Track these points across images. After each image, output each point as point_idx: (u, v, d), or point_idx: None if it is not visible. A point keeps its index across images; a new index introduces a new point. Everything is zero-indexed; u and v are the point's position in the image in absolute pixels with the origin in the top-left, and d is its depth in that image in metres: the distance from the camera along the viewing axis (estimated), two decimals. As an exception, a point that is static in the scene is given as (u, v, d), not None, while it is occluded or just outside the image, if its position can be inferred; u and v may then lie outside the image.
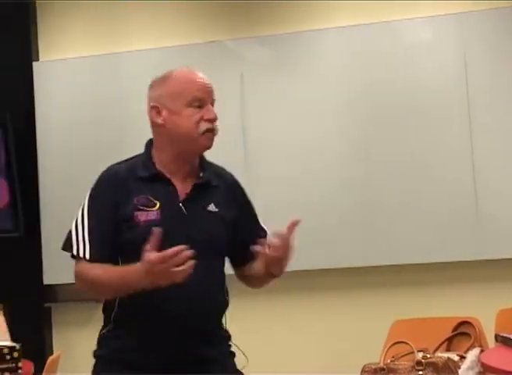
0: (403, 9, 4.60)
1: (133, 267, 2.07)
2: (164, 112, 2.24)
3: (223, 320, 2.34)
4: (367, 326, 4.54)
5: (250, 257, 2.28)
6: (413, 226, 4.47)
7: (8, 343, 3.43)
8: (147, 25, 5.01)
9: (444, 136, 4.50)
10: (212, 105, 2.31)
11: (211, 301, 2.24)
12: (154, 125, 2.28)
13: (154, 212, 2.18)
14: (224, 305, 2.33)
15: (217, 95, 4.84)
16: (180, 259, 2.00)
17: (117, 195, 2.20)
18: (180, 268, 1.99)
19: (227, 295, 2.34)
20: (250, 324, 4.73)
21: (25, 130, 4.97)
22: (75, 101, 4.96)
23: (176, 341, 2.19)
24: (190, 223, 2.21)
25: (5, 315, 3.71)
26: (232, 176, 2.45)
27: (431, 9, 4.57)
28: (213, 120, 2.27)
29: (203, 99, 2.25)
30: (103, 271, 2.16)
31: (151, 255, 2.00)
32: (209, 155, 4.32)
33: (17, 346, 3.38)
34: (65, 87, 5.01)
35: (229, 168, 4.71)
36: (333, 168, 4.63)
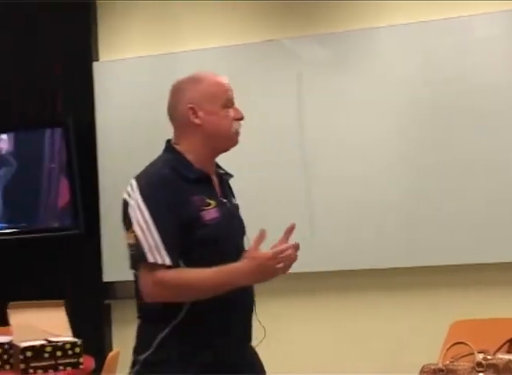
0: (462, 7, 4.53)
1: (233, 266, 2.11)
2: (200, 113, 2.32)
3: None
4: (426, 326, 4.50)
5: None
6: (474, 226, 4.42)
7: (70, 339, 3.51)
8: (204, 24, 5.04)
9: (507, 136, 4.42)
10: None
11: (253, 291, 2.38)
12: (189, 125, 2.33)
13: (213, 210, 2.24)
14: None
15: (274, 94, 4.86)
16: (287, 256, 2.10)
17: (174, 197, 2.19)
18: (282, 264, 2.10)
19: None
20: (303, 324, 4.76)
21: (85, 129, 5.04)
22: (134, 100, 5.04)
23: (240, 333, 2.30)
24: (235, 217, 2.38)
25: (66, 311, 3.78)
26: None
27: (488, 6, 4.48)
28: (242, 119, 2.39)
29: (232, 100, 2.39)
30: (195, 274, 2.14)
31: (263, 252, 2.08)
32: (267, 155, 4.38)
33: (79, 342, 3.46)
34: (125, 86, 5.09)
35: (286, 167, 4.71)
36: (392, 167, 4.59)
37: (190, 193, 2.22)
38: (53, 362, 3.28)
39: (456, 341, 3.56)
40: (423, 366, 3.43)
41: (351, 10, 4.78)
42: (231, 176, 2.46)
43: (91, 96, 5.08)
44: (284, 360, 4.63)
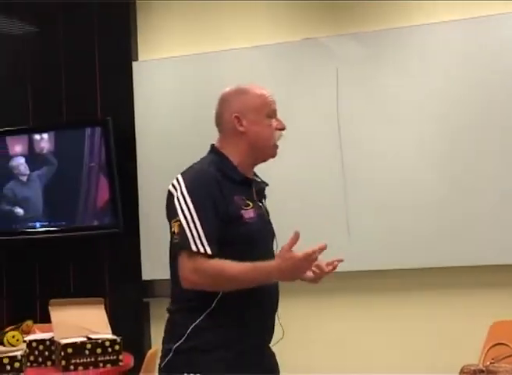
0: (505, 3, 4.48)
1: (267, 264, 2.25)
2: (244, 122, 2.48)
3: None
4: (465, 326, 4.47)
5: None
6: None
7: (110, 336, 3.56)
8: (243, 23, 5.06)
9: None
10: None
11: (278, 289, 2.53)
12: (234, 132, 2.49)
13: (251, 211, 2.42)
14: None
15: (313, 92, 4.86)
16: (315, 258, 2.22)
17: (216, 194, 2.34)
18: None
19: None
20: (345, 323, 4.76)
21: (125, 128, 5.08)
22: (173, 100, 5.08)
23: (268, 327, 2.48)
24: (268, 220, 2.56)
25: (105, 309, 3.82)
26: None
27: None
28: (284, 129, 2.54)
29: (275, 111, 2.55)
30: (232, 266, 2.26)
31: (296, 253, 2.19)
32: (305, 154, 4.37)
33: (118, 339, 3.50)
34: (164, 86, 5.12)
35: (323, 165, 4.68)
36: (433, 169, 4.55)
37: (232, 192, 2.39)
38: (93, 359, 3.33)
39: (496, 342, 3.54)
40: (463, 367, 3.42)
41: (387, 8, 4.76)
42: (266, 184, 2.61)
43: (131, 95, 5.13)
44: (327, 360, 4.69)
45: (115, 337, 3.53)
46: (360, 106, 4.71)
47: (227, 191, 2.37)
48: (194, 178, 2.39)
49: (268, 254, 2.37)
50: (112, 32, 5.27)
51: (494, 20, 4.48)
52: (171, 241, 2.36)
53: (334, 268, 2.55)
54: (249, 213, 2.40)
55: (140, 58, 5.27)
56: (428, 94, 4.59)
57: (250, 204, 2.43)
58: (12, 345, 3.49)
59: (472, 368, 3.38)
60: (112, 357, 3.42)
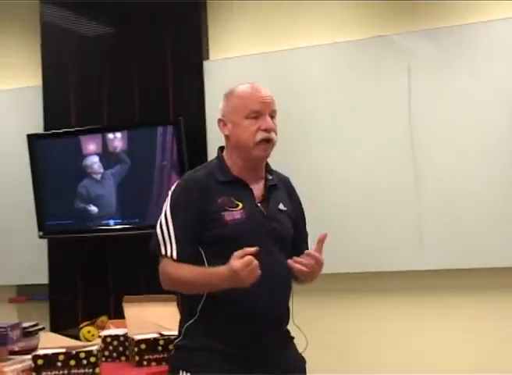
0: None
1: (218, 270, 2.32)
2: (228, 124, 2.55)
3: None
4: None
5: (294, 254, 2.49)
6: None
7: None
8: (314, 21, 5.09)
9: None
10: (272, 117, 2.54)
11: (286, 293, 2.54)
12: (224, 136, 2.59)
13: (239, 212, 2.46)
14: (290, 298, 2.58)
15: (384, 90, 4.85)
16: (255, 264, 2.26)
17: (199, 198, 2.45)
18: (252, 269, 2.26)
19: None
20: (408, 324, 4.79)
21: (196, 127, 5.15)
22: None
23: (259, 331, 2.45)
24: (270, 222, 2.51)
25: (177, 306, 3.89)
26: (289, 179, 2.74)
27: None
28: (269, 130, 2.49)
29: (259, 111, 2.49)
30: (188, 271, 2.39)
31: (237, 262, 2.24)
32: (376, 152, 4.35)
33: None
34: (234, 85, 5.17)
35: (396, 163, 4.70)
36: (500, 166, 4.52)
37: (217, 194, 2.47)
38: (166, 355, 3.39)
39: None
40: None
41: (459, 5, 4.73)
42: (274, 185, 2.59)
43: (202, 94, 5.20)
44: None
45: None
46: (433, 103, 4.69)
47: (211, 192, 2.46)
48: (179, 183, 2.53)
49: (261, 254, 2.32)
50: (183, 32, 5.34)
51: None
52: None
53: (321, 240, 2.44)
54: (234, 214, 2.44)
55: (211, 57, 5.33)
56: (500, 89, 4.54)
57: (240, 204, 2.47)
58: (88, 340, 3.60)
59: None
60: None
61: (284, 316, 2.56)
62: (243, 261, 2.25)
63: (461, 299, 4.67)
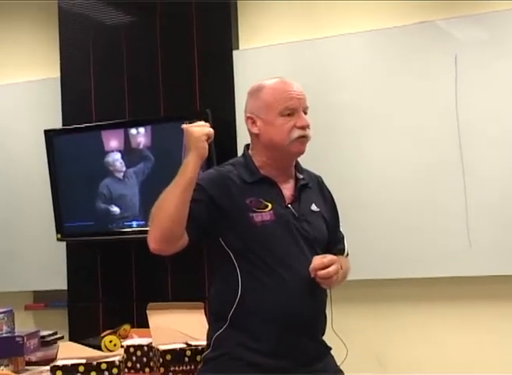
0: None
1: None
2: (259, 122, 2.55)
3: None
4: None
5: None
6: None
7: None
8: (353, 8, 5.03)
9: None
10: (305, 113, 2.55)
11: (320, 297, 2.55)
12: (252, 134, 2.60)
13: (268, 213, 2.48)
14: (326, 303, 2.60)
15: (428, 81, 4.80)
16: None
17: (220, 193, 2.48)
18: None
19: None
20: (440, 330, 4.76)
21: (225, 121, 5.10)
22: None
23: (294, 339, 2.45)
24: (301, 223, 2.54)
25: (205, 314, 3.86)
26: (321, 178, 2.77)
27: None
28: (305, 127, 2.52)
29: (294, 108, 2.52)
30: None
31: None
32: (421, 149, 4.30)
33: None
34: (265, 75, 5.11)
35: (442, 153, 4.65)
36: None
37: (247, 195, 2.49)
38: (193, 367, 3.35)
39: None
40: None
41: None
42: (306, 184, 2.62)
43: (231, 86, 5.17)
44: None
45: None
46: (481, 91, 4.63)
47: (238, 192, 2.49)
48: (208, 173, 2.59)
49: (292, 256, 2.43)
50: (213, 21, 5.30)
51: None
52: None
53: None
54: (263, 216, 2.47)
55: (241, 46, 5.30)
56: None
57: (269, 205, 2.49)
58: (110, 350, 3.57)
59: None
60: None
61: (320, 321, 2.57)
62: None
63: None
